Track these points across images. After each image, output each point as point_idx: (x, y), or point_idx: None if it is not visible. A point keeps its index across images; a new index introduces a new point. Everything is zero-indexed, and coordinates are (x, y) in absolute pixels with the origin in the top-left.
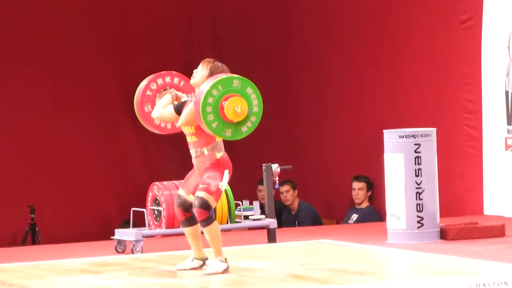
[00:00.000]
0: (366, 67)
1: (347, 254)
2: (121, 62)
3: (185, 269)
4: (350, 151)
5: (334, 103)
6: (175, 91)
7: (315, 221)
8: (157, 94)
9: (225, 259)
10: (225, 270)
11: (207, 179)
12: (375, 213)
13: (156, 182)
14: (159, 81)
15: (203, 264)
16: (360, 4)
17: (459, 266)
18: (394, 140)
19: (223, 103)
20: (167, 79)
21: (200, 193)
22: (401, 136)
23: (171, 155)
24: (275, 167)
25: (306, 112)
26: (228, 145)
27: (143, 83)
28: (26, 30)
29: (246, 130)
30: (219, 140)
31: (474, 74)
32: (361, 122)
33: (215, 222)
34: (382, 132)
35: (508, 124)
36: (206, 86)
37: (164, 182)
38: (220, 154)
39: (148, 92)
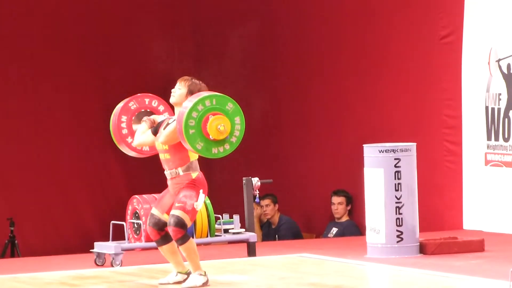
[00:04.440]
0: (346, 82)
1: (326, 268)
2: (101, 74)
3: (169, 283)
4: (330, 165)
5: (314, 118)
6: (149, 117)
7: (296, 235)
8: (132, 118)
9: (205, 272)
10: (204, 284)
11: (183, 198)
12: (354, 227)
13: (136, 196)
14: (135, 103)
15: (187, 278)
16: (340, 19)
17: (438, 280)
18: (374, 155)
19: (210, 116)
20: (143, 101)
21: (176, 212)
22: (381, 150)
23: (151, 169)
24: (255, 181)
25: (287, 126)
26: (208, 159)
27: (119, 106)
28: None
29: (216, 153)
30: (193, 159)
31: (455, 90)
32: (341, 136)
33: (191, 239)
34: (362, 147)
35: (488, 139)
36: (202, 94)
37: (144, 196)
38: (196, 174)
39: (123, 118)
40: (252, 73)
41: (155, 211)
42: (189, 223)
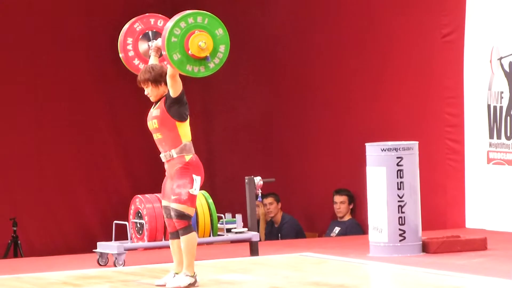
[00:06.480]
0: (348, 81)
1: (329, 267)
2: (102, 69)
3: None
4: (332, 164)
5: (316, 116)
6: (153, 47)
7: (298, 234)
8: (139, 37)
9: (194, 274)
10: (191, 285)
11: (177, 189)
12: (357, 226)
13: (139, 195)
14: (140, 24)
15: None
16: (342, 17)
17: (441, 279)
18: (376, 154)
19: (196, 31)
20: (149, 21)
21: (173, 205)
22: (383, 149)
23: (153, 168)
24: (258, 180)
25: (289, 125)
26: (210, 158)
27: (125, 28)
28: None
29: (189, 70)
30: (185, 141)
31: (456, 88)
32: (344, 135)
33: (194, 233)
34: (364, 145)
35: (490, 137)
36: (196, 11)
37: (147, 195)
38: (189, 156)
39: (129, 41)
40: (254, 71)
41: (164, 202)
42: (190, 211)
